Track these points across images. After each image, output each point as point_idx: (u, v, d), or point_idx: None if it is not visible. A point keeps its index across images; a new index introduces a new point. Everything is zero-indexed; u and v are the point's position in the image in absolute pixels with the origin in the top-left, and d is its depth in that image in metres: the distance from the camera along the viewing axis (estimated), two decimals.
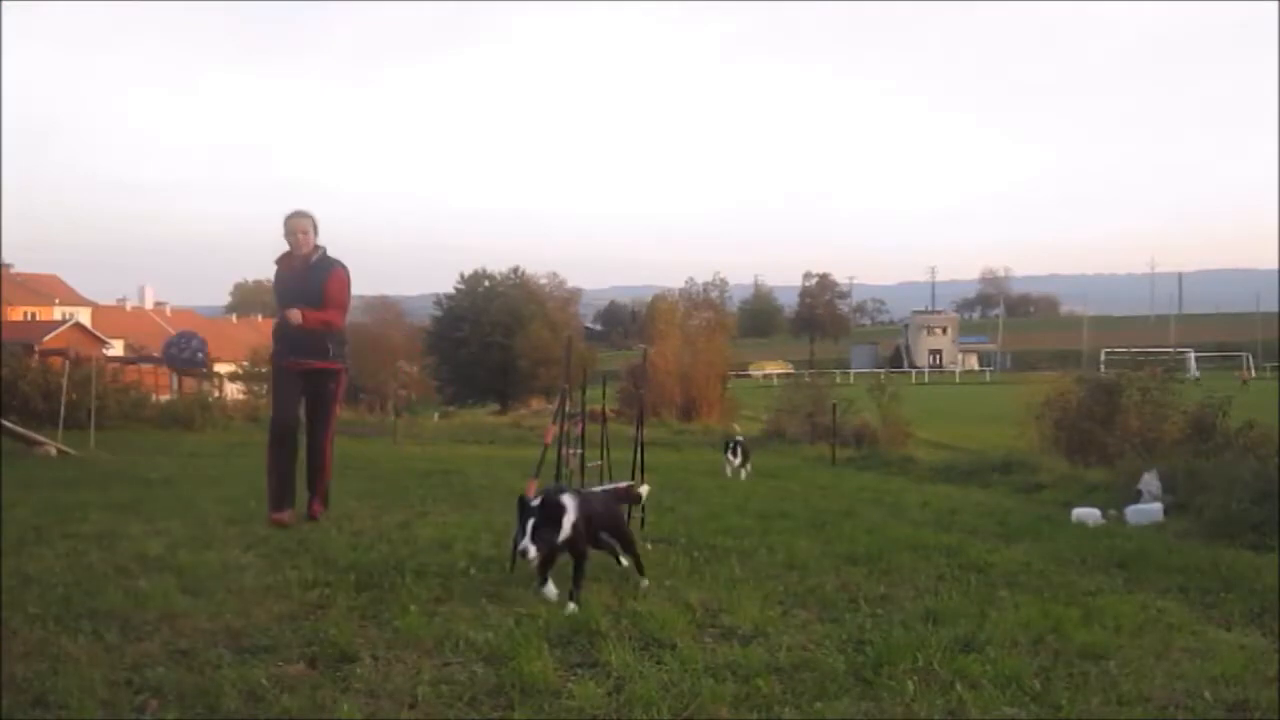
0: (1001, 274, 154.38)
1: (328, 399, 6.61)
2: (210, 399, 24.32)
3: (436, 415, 37.81)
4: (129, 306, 66.15)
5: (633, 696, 3.15)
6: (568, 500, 4.30)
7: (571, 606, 4.17)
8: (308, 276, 6.44)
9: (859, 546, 6.02)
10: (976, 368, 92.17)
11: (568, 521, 4.23)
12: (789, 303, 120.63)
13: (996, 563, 5.74)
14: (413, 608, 4.11)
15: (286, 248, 6.53)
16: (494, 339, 54.53)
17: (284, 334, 6.42)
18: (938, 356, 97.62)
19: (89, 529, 5.95)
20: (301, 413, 6.58)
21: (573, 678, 3.35)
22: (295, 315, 6.28)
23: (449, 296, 60.31)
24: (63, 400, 15.64)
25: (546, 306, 58.62)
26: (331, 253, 6.66)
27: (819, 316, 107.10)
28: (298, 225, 6.42)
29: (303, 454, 6.57)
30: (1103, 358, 42.59)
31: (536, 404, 44.99)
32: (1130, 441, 13.84)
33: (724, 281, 51.24)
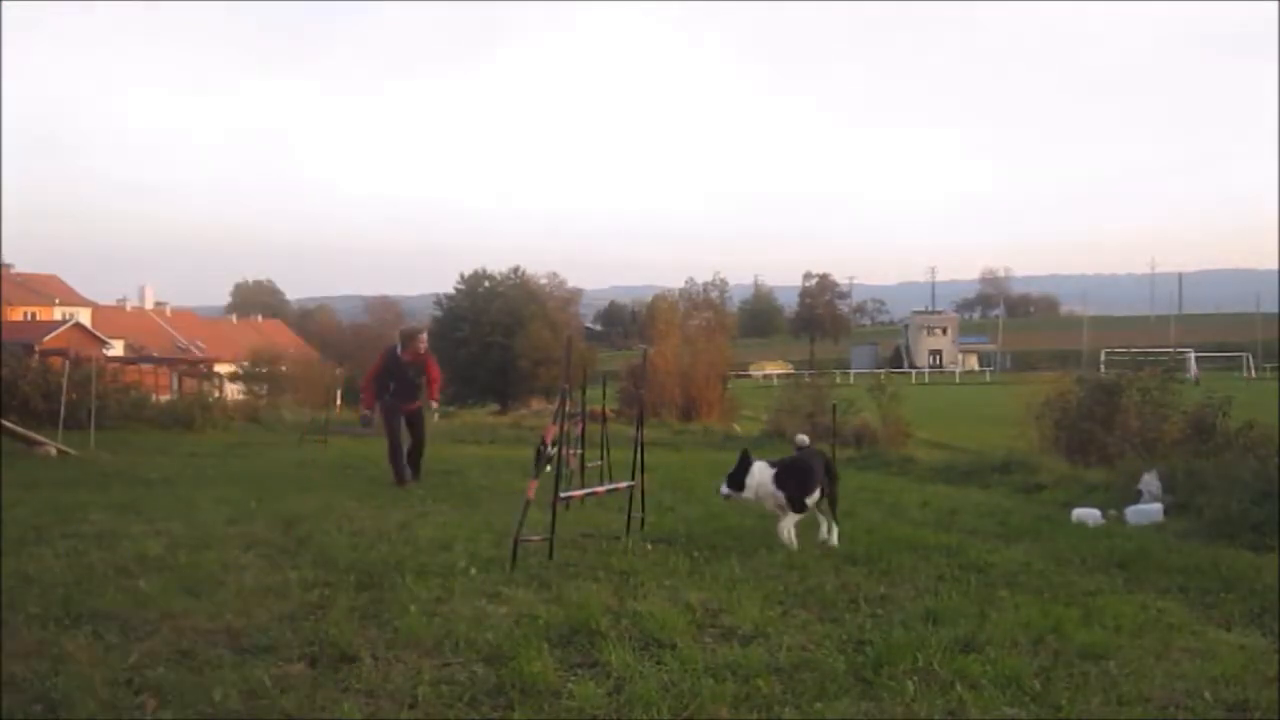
0: (1001, 274, 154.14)
1: (421, 420, 9.99)
2: (210, 399, 24.32)
3: (436, 415, 37.80)
4: (129, 306, 66.09)
5: (633, 696, 3.15)
6: None
7: None
8: (418, 364, 9.84)
9: (859, 546, 6.02)
10: (976, 368, 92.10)
11: None
12: (789, 303, 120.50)
13: (996, 563, 5.74)
14: (413, 608, 4.11)
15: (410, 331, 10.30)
16: (494, 339, 54.43)
17: (396, 392, 9.68)
18: (938, 357, 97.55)
19: (89, 529, 5.95)
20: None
21: (573, 678, 3.35)
22: (435, 405, 10.50)
23: (449, 296, 60.19)
24: (63, 400, 15.64)
25: (546, 306, 58.54)
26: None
27: (819, 316, 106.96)
28: (421, 341, 9.96)
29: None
30: (1103, 358, 42.61)
31: (536, 404, 45.03)
32: (1130, 441, 13.85)
33: (724, 281, 51.47)
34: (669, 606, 4.29)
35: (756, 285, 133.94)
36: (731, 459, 6.31)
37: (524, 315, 54.43)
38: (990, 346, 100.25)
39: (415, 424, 9.92)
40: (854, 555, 5.75)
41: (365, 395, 10.03)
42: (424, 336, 10.19)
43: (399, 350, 9.87)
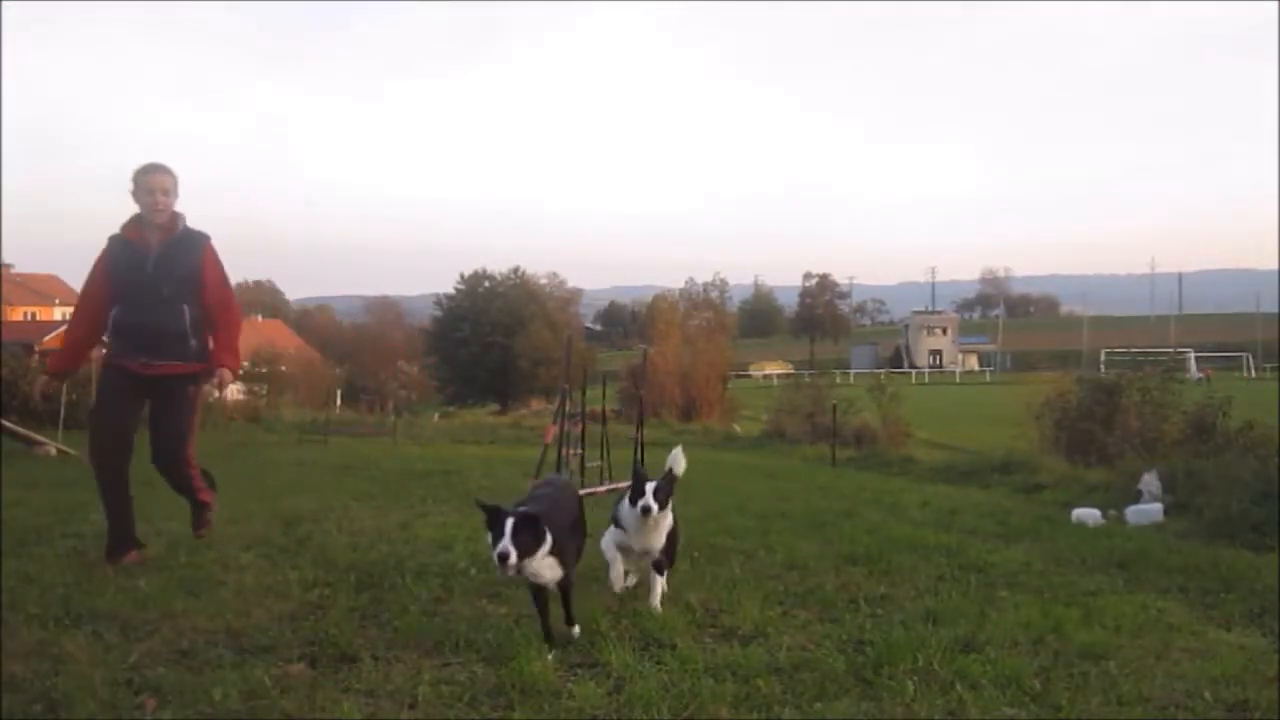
0: (1001, 274, 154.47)
1: (186, 407, 5.07)
2: (210, 399, 24.34)
3: (436, 415, 37.86)
4: None
5: (633, 696, 3.15)
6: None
7: None
8: (175, 255, 4.82)
9: (859, 546, 6.01)
10: (976, 368, 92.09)
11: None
12: (789, 303, 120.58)
13: (996, 563, 5.74)
14: (413, 608, 4.11)
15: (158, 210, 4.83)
16: (494, 339, 54.53)
17: (126, 328, 4.86)
18: (938, 357, 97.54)
19: (89, 529, 5.95)
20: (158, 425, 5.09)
21: (573, 678, 3.35)
22: (228, 376, 5.04)
23: (449, 296, 60.30)
24: (63, 400, 15.63)
25: (546, 306, 58.65)
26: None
27: (819, 316, 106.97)
28: (156, 183, 4.81)
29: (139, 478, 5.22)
30: (1103, 358, 42.62)
31: (536, 404, 45.10)
32: (1130, 441, 13.85)
33: (724, 281, 51.59)
34: (669, 606, 4.29)
35: (756, 285, 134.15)
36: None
37: (524, 315, 54.54)
38: (990, 346, 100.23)
39: (168, 413, 5.03)
40: (854, 555, 5.75)
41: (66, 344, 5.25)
42: (162, 180, 4.83)
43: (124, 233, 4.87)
